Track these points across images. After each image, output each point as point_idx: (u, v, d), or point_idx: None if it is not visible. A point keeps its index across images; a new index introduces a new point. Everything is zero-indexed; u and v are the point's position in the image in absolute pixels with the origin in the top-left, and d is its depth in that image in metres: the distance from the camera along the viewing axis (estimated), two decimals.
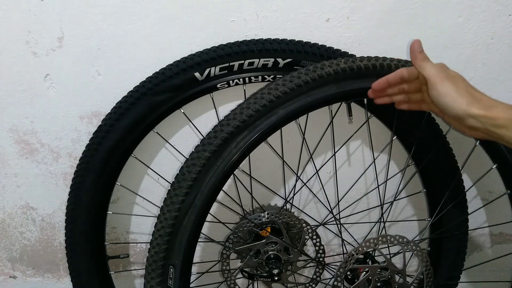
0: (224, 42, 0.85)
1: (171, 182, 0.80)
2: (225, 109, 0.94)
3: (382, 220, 0.93)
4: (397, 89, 0.75)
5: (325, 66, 0.74)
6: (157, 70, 0.85)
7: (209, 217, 0.76)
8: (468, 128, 0.67)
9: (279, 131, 0.77)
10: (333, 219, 0.95)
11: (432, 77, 0.67)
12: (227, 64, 0.83)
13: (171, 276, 0.73)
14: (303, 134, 0.92)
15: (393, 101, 0.77)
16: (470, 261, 1.12)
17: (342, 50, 0.86)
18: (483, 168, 0.93)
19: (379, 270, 0.85)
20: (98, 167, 0.86)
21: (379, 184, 0.97)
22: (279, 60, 0.83)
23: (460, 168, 0.93)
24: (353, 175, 1.02)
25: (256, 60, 0.83)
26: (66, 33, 0.84)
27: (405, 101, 0.76)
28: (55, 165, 0.97)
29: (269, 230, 0.90)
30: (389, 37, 0.89)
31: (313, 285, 0.97)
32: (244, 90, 0.88)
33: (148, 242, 1.03)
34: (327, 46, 0.86)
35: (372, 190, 1.04)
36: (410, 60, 0.79)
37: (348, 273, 0.85)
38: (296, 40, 0.85)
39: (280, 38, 0.85)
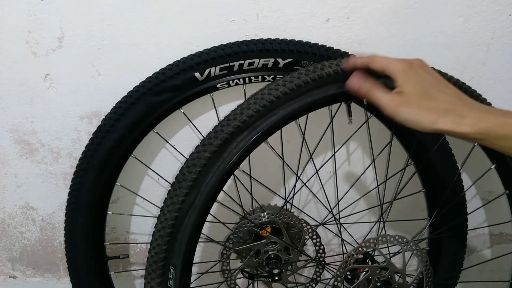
0: (224, 42, 0.85)
1: (171, 183, 0.80)
2: (225, 109, 0.94)
3: (381, 220, 0.93)
4: None
5: (325, 66, 0.74)
6: (157, 70, 0.85)
7: (209, 217, 0.76)
8: None
9: (279, 131, 0.77)
10: (332, 219, 0.95)
11: (386, 110, 0.60)
12: (227, 64, 0.83)
13: (171, 277, 0.74)
14: (303, 134, 0.92)
15: None
16: (470, 261, 1.13)
17: (342, 50, 0.86)
18: (483, 168, 0.93)
19: (379, 270, 0.85)
20: (98, 167, 0.86)
21: (378, 184, 0.97)
22: (279, 60, 0.83)
23: (460, 168, 0.93)
24: (353, 175, 1.02)
25: (256, 60, 0.83)
26: (66, 33, 0.84)
27: None
28: (55, 165, 0.97)
29: (269, 230, 0.90)
30: (389, 37, 0.89)
31: (313, 285, 0.97)
32: (244, 90, 0.88)
33: (148, 243, 1.03)
34: (327, 46, 0.86)
35: (372, 190, 1.04)
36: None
37: (348, 273, 0.86)
38: (296, 40, 0.85)
39: (280, 38, 0.85)
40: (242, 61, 0.83)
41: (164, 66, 0.85)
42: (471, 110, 0.57)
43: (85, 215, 0.88)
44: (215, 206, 0.76)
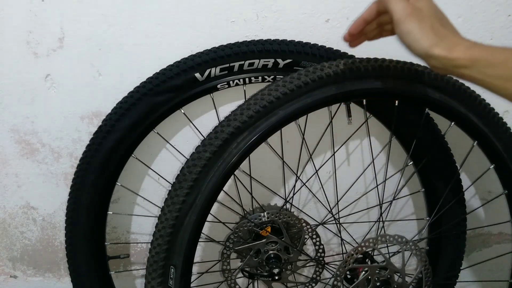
0: (224, 43, 0.85)
1: (171, 183, 0.81)
2: (225, 110, 0.94)
3: (381, 220, 0.93)
4: (374, 24, 0.71)
5: (324, 67, 0.74)
6: (158, 71, 0.85)
7: (209, 217, 0.76)
8: (431, 66, 0.63)
9: (279, 131, 0.77)
10: (332, 218, 0.96)
11: (396, 14, 0.62)
12: (227, 65, 0.83)
13: (171, 276, 0.74)
14: (303, 135, 0.93)
15: (368, 39, 0.73)
16: (469, 260, 1.13)
17: (342, 51, 0.86)
18: (482, 168, 0.93)
19: (378, 269, 0.85)
20: (98, 167, 0.86)
21: (378, 183, 0.97)
22: (279, 60, 0.84)
23: (459, 168, 0.93)
24: (352, 175, 1.03)
25: (256, 61, 0.83)
26: (67, 34, 0.85)
27: (379, 33, 0.73)
28: (55, 165, 0.97)
29: (269, 229, 0.91)
30: (389, 37, 0.89)
31: (313, 285, 0.98)
32: (244, 90, 0.88)
33: (148, 242, 1.04)
34: (327, 46, 0.86)
35: (371, 190, 1.04)
36: (411, 62, 0.79)
37: (348, 272, 0.86)
38: (296, 40, 0.85)
39: (280, 39, 0.85)
40: (242, 62, 0.83)
41: (165, 66, 0.85)
42: (463, 40, 0.61)
43: (85, 215, 0.88)
44: (215, 206, 0.76)
